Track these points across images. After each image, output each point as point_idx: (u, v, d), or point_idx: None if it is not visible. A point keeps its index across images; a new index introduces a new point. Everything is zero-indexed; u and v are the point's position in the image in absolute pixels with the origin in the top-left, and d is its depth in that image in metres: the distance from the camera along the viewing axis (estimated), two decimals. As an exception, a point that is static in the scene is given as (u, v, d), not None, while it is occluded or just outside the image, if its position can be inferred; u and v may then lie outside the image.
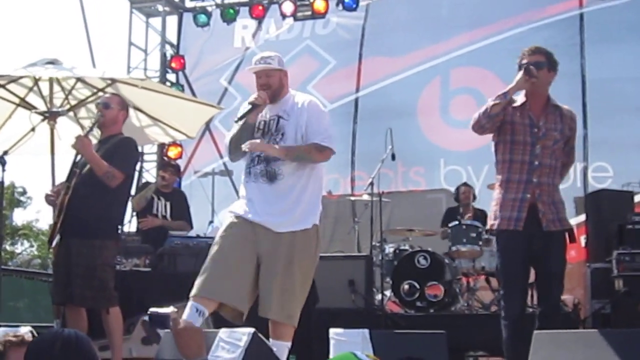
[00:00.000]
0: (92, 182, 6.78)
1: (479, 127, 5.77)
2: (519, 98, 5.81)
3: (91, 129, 6.97)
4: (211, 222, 12.30)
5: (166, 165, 10.35)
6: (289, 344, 5.81)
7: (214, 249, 6.01)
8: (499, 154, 5.79)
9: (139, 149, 7.55)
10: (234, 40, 14.59)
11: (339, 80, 13.62)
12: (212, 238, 9.36)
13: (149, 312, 3.07)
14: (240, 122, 5.86)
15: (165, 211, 9.61)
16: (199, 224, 12.04)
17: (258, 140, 5.75)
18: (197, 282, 5.85)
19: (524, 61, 5.79)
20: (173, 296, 8.10)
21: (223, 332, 5.59)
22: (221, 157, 14.15)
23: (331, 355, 5.34)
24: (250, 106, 5.83)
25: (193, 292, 5.82)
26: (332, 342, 5.53)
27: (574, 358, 4.91)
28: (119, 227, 7.25)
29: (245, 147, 5.71)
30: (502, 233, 5.69)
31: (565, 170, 5.93)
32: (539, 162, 5.61)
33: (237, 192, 13.48)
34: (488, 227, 5.93)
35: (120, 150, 6.96)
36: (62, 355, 2.38)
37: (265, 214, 5.78)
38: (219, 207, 13.31)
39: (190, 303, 5.80)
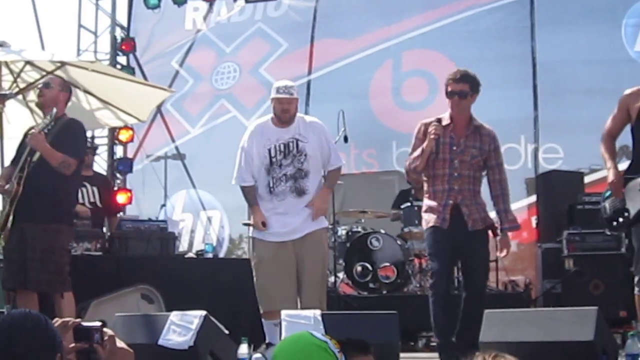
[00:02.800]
0: (45, 168, 6.69)
1: (416, 182, 7.24)
2: (445, 118, 6.61)
3: (46, 126, 6.78)
4: (163, 205, 12.26)
5: None
6: None
7: (260, 273, 6.96)
8: (426, 169, 6.55)
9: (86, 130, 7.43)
10: (185, 23, 14.43)
11: (291, 63, 13.53)
12: (164, 221, 9.44)
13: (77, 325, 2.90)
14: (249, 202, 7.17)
15: (94, 197, 9.36)
16: (151, 208, 12.00)
17: (320, 207, 7.00)
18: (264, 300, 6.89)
19: (449, 88, 6.60)
20: (125, 280, 8.13)
21: (174, 315, 5.57)
22: (173, 140, 14.08)
23: (283, 337, 5.33)
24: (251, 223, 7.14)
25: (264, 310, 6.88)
26: (283, 323, 5.53)
27: (524, 336, 4.96)
28: (72, 211, 7.18)
29: (315, 215, 6.96)
30: (430, 229, 6.51)
31: (500, 185, 6.70)
32: (458, 173, 6.45)
33: (189, 175, 13.68)
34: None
35: (70, 135, 6.87)
36: (32, 332, 2.37)
37: (294, 225, 6.87)
38: (171, 190, 13.25)
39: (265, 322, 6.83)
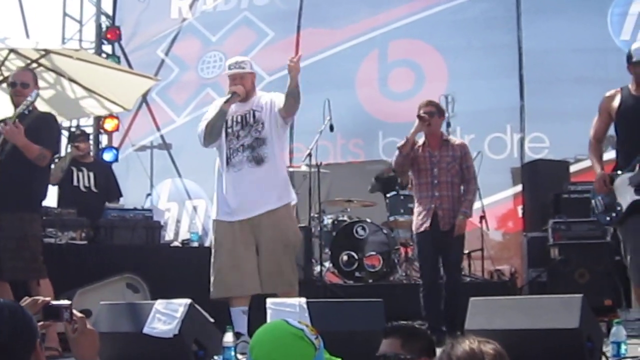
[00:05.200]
0: (20, 158, 6.62)
1: (400, 167, 7.93)
2: (421, 140, 7.76)
3: (19, 114, 6.67)
4: (149, 194, 12.24)
5: (77, 135, 9.97)
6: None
7: (217, 256, 6.80)
8: (413, 179, 7.86)
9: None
10: (171, 12, 14.39)
11: (278, 52, 13.44)
12: (149, 210, 9.40)
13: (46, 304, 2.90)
14: (216, 110, 6.78)
15: (89, 182, 9.35)
16: (137, 197, 11.96)
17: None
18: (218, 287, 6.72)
19: (420, 111, 7.63)
20: (110, 269, 8.09)
21: (159, 304, 5.56)
22: (158, 129, 14.03)
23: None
24: (229, 95, 6.77)
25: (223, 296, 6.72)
26: (269, 311, 5.52)
27: (509, 324, 4.96)
28: (43, 200, 7.19)
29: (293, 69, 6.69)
30: (417, 235, 7.80)
31: (468, 184, 7.70)
32: (437, 180, 7.56)
33: (175, 164, 13.65)
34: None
35: (45, 128, 6.80)
36: (11, 320, 2.36)
37: (250, 202, 6.67)
38: (156, 179, 13.23)
39: (232, 310, 6.66)
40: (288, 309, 5.38)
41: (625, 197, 6.08)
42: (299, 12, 13.66)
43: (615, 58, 11.73)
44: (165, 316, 5.41)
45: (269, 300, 5.68)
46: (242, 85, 6.77)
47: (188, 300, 5.52)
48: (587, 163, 11.55)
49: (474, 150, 9.10)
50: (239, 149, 6.74)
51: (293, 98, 6.74)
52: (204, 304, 5.89)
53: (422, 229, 7.62)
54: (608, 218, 6.27)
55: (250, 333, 6.01)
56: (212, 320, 5.68)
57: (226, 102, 6.76)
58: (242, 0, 14.09)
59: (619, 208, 6.11)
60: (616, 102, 6.35)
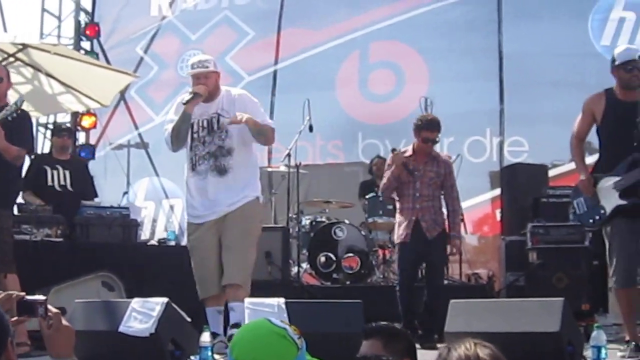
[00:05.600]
0: None
1: (387, 198, 8.37)
2: (408, 150, 7.90)
3: (6, 117, 6.57)
4: (125, 193, 12.15)
5: (58, 130, 9.80)
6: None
7: (192, 258, 6.64)
8: (397, 192, 7.91)
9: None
10: (151, 9, 14.29)
11: (258, 52, 13.45)
12: (126, 208, 9.31)
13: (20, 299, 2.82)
14: (180, 112, 6.48)
15: (64, 181, 9.12)
16: (114, 195, 11.86)
17: (240, 115, 6.35)
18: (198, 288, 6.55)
19: (425, 135, 7.67)
20: (86, 267, 8.00)
21: (135, 302, 5.49)
22: (136, 128, 13.95)
23: (247, 322, 5.27)
24: (190, 95, 6.45)
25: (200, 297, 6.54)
26: (247, 311, 5.47)
27: (489, 326, 4.92)
28: (17, 197, 7.23)
29: (228, 122, 6.41)
30: (398, 245, 7.93)
31: (452, 203, 7.91)
32: (419, 193, 7.72)
33: (152, 163, 13.55)
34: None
35: (23, 128, 6.70)
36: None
37: (216, 205, 6.48)
38: (133, 178, 13.15)
39: (207, 310, 6.50)
40: (266, 309, 5.33)
41: (609, 200, 6.14)
42: (280, 11, 13.62)
43: (595, 63, 11.85)
44: (142, 315, 5.35)
45: (246, 300, 5.64)
46: (206, 84, 6.50)
47: (165, 299, 5.45)
48: (565, 168, 11.75)
49: (454, 153, 9.10)
50: (204, 156, 6.54)
51: (262, 137, 6.61)
52: (180, 303, 5.82)
53: (403, 239, 7.78)
54: (591, 220, 6.36)
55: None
56: (189, 319, 5.62)
57: (187, 102, 6.43)
58: (222, -1, 14.04)
59: (602, 211, 6.18)
60: (601, 105, 6.36)
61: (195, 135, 6.56)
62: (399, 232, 7.83)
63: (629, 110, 6.16)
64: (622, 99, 6.28)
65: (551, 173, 11.08)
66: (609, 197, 6.16)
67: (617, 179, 6.13)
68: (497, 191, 11.74)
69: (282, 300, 5.53)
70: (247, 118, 6.34)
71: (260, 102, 6.89)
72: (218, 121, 6.53)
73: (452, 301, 5.25)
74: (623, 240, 6.09)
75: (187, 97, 6.47)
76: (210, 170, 6.49)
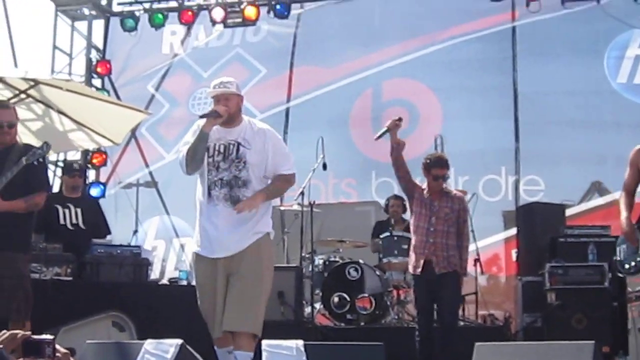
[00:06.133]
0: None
1: (397, 167, 8.20)
2: (424, 186, 8.05)
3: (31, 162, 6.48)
4: (135, 231, 12.04)
5: (70, 169, 9.69)
6: (251, 354, 5.90)
7: (200, 295, 6.25)
8: (412, 218, 8.10)
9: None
10: (162, 47, 14.28)
11: (270, 90, 13.38)
12: (137, 247, 9.19)
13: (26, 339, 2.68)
14: (195, 134, 6.09)
15: (77, 219, 9.02)
16: (124, 234, 11.76)
17: (242, 203, 6.00)
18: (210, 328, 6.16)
19: (435, 172, 7.90)
20: (96, 306, 7.86)
21: (149, 344, 5.34)
22: (147, 166, 13.87)
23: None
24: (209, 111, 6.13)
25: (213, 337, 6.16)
26: (264, 354, 5.30)
27: (516, 371, 4.76)
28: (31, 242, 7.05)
29: (236, 209, 5.99)
30: (413, 275, 8.06)
31: (462, 238, 7.97)
32: (434, 228, 7.86)
33: (162, 201, 13.44)
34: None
35: (38, 169, 6.58)
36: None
37: (227, 241, 6.07)
38: (143, 216, 13.03)
39: (217, 351, 6.15)
40: (284, 352, 5.16)
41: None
42: (292, 49, 13.60)
43: (612, 101, 11.79)
44: (155, 357, 5.19)
45: (264, 342, 5.45)
46: (227, 106, 6.11)
47: (179, 341, 5.30)
48: (581, 207, 11.63)
49: (469, 192, 8.97)
50: (217, 182, 6.14)
51: (279, 195, 6.61)
52: (194, 344, 5.66)
53: (416, 272, 7.92)
54: (627, 266, 6.51)
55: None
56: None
57: (204, 116, 6.10)
58: (234, 36, 14.01)
59: (639, 259, 6.34)
60: None
61: (210, 160, 6.17)
62: (412, 263, 7.99)
63: None
64: None
65: (568, 212, 10.91)
66: None
67: None
68: (511, 231, 11.61)
69: (300, 342, 5.36)
70: (255, 202, 6.04)
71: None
72: (238, 150, 6.15)
73: (477, 344, 5.07)
74: None
75: (206, 111, 6.22)
76: (224, 199, 6.10)
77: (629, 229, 6.41)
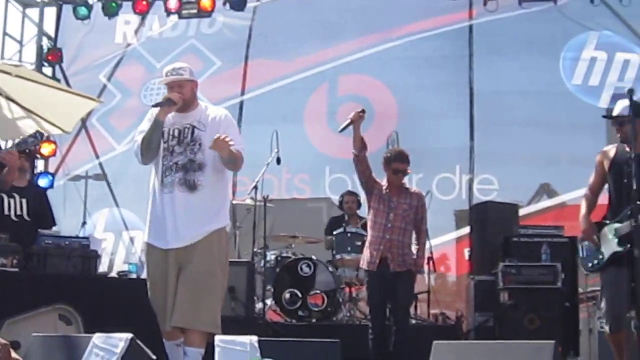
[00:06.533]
0: None
1: (361, 172, 8.22)
2: (384, 182, 8.09)
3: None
4: (84, 223, 11.86)
5: (24, 148, 9.46)
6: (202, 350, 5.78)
7: (150, 285, 6.10)
8: (370, 215, 8.10)
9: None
10: (115, 36, 14.03)
11: (224, 82, 13.22)
12: (86, 238, 8.98)
13: None
14: (150, 122, 6.03)
15: (21, 210, 8.83)
16: (72, 226, 11.57)
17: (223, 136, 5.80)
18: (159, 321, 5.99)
19: (395, 166, 7.99)
20: (42, 298, 7.66)
21: (97, 338, 5.19)
22: (97, 157, 13.65)
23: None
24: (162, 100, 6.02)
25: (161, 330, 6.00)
26: (217, 349, 5.17)
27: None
28: None
29: (210, 146, 5.84)
30: (366, 271, 8.07)
31: (419, 235, 8.11)
32: (391, 225, 7.90)
33: (112, 194, 13.23)
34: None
35: None
36: None
37: (182, 229, 5.93)
38: (93, 208, 12.83)
39: (166, 343, 6.00)
40: (238, 348, 5.03)
41: (608, 247, 6.33)
42: (248, 42, 13.46)
43: (567, 102, 11.84)
44: (104, 351, 5.05)
45: (217, 338, 5.32)
46: (181, 93, 6.04)
47: (129, 335, 5.15)
48: (536, 207, 11.67)
49: (423, 190, 8.91)
50: (172, 167, 6.02)
51: (232, 165, 6.08)
52: (143, 339, 5.51)
53: (370, 267, 7.93)
54: (590, 264, 6.54)
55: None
56: (154, 357, 5.30)
57: (157, 105, 6.02)
58: (189, 27, 13.82)
59: (600, 257, 6.38)
60: (611, 155, 6.54)
61: (164, 145, 6.08)
62: (367, 258, 8.00)
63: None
64: (629, 151, 6.33)
65: (521, 212, 10.93)
66: (609, 244, 6.33)
67: (618, 226, 6.27)
68: (463, 230, 11.61)
69: (254, 338, 5.24)
70: (228, 145, 5.81)
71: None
72: (192, 133, 6.07)
73: (435, 342, 4.99)
74: (615, 287, 6.21)
75: (159, 100, 6.09)
76: (178, 184, 5.97)
77: (587, 227, 6.46)
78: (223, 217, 6.16)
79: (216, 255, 5.99)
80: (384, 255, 7.83)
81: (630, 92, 5.97)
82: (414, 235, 8.10)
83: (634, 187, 5.90)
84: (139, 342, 5.20)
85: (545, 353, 4.54)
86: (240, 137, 6.23)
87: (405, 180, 8.22)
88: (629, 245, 6.01)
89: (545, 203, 12.17)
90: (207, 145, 5.93)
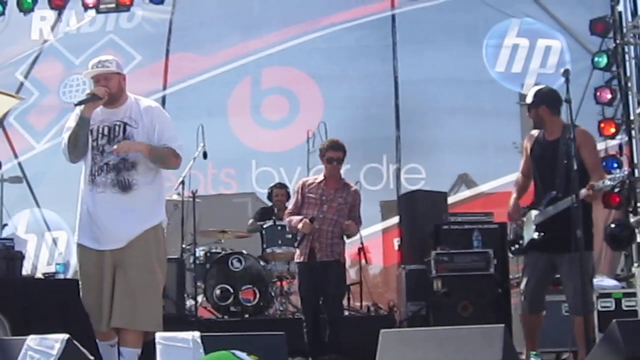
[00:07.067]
0: None
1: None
2: (320, 176, 8.09)
3: None
4: (5, 225, 11.56)
5: None
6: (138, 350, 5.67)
7: (83, 287, 5.89)
8: (302, 209, 7.99)
9: None
10: (32, 32, 13.62)
11: (145, 77, 12.93)
12: (10, 239, 8.70)
13: None
14: (76, 118, 5.79)
15: None
16: (-9, 228, 11.25)
17: (123, 143, 5.72)
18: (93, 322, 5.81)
19: (328, 155, 7.93)
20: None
21: (31, 340, 4.98)
22: (16, 156, 13.28)
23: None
24: (86, 96, 5.76)
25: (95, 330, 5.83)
26: (158, 347, 5.00)
27: (423, 357, 4.60)
28: None
29: (115, 151, 5.69)
30: (297, 263, 8.08)
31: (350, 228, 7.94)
32: (323, 215, 7.82)
33: (33, 194, 12.89)
34: None
35: None
36: None
37: (115, 231, 5.75)
38: (13, 210, 12.51)
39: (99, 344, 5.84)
40: (180, 344, 4.88)
41: (528, 232, 6.53)
42: (168, 36, 13.25)
43: (490, 89, 11.90)
44: (39, 354, 4.84)
45: (158, 335, 5.15)
46: (107, 87, 5.77)
47: (65, 336, 4.95)
48: (463, 194, 11.73)
49: (352, 181, 8.85)
50: (103, 167, 5.79)
51: (160, 164, 5.92)
52: (75, 340, 5.29)
53: (300, 259, 7.94)
54: (512, 248, 6.81)
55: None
56: (91, 357, 5.12)
57: (81, 103, 5.73)
58: (107, 22, 13.51)
59: (521, 241, 6.61)
60: (531, 143, 6.68)
61: (94, 144, 5.84)
62: (298, 250, 8.02)
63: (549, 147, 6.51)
64: (548, 138, 6.55)
65: (451, 200, 10.97)
66: (529, 229, 6.52)
67: (537, 213, 6.46)
68: (390, 221, 11.57)
69: (197, 334, 5.08)
70: (137, 147, 5.70)
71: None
72: (124, 131, 5.82)
73: (382, 331, 4.90)
74: (534, 270, 6.49)
75: (82, 97, 5.80)
76: (111, 185, 5.76)
77: (511, 210, 6.70)
78: (159, 213, 6.00)
79: (154, 253, 5.84)
80: (312, 245, 7.78)
81: (566, 72, 6.02)
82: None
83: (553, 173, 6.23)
84: (75, 342, 5.00)
85: (495, 337, 4.48)
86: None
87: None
88: (542, 234, 6.34)
89: (465, 193, 12.24)
90: (139, 141, 5.76)
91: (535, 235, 6.40)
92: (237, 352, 2.58)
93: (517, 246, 6.65)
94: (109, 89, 5.79)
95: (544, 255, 6.39)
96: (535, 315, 6.52)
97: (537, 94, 6.55)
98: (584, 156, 6.21)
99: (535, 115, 6.54)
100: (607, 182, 6.10)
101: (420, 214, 10.16)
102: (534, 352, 5.35)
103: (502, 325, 4.63)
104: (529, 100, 6.61)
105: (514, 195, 6.80)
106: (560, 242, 6.09)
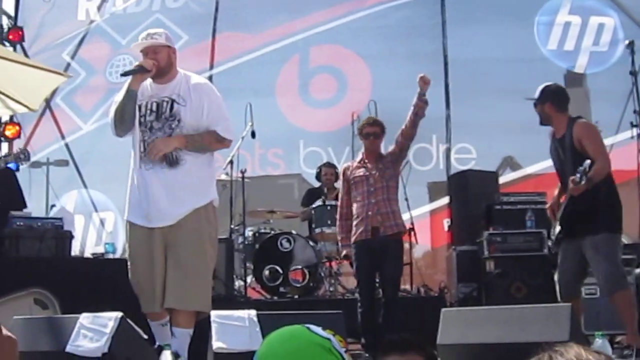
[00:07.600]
0: None
1: None
2: (359, 156, 7.99)
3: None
4: (53, 205, 11.59)
5: None
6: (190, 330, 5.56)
7: (132, 266, 5.80)
8: (352, 191, 7.78)
9: None
10: (78, 13, 13.70)
11: (192, 57, 12.85)
12: (59, 219, 8.66)
13: None
14: (124, 90, 5.69)
15: None
16: (39, 209, 11.27)
17: (156, 142, 5.64)
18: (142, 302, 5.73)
19: (364, 131, 7.78)
20: (16, 283, 7.38)
21: (84, 318, 4.90)
22: (63, 137, 13.31)
23: (214, 338, 4.71)
24: (134, 68, 5.68)
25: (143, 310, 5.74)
26: (214, 325, 4.91)
27: (486, 336, 4.47)
28: None
29: (151, 156, 5.61)
30: (354, 243, 7.63)
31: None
32: (374, 187, 7.56)
33: (80, 175, 12.90)
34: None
35: None
36: None
37: (165, 208, 5.65)
38: (61, 191, 12.56)
39: (151, 324, 5.75)
40: (236, 323, 4.78)
41: (556, 227, 6.65)
42: (215, 15, 13.20)
43: (542, 67, 11.66)
44: (93, 332, 4.76)
45: (213, 313, 5.06)
46: (156, 60, 5.65)
47: (119, 314, 4.87)
48: (514, 175, 11.53)
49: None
50: (151, 143, 5.71)
51: (205, 151, 5.85)
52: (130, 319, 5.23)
53: (359, 237, 7.55)
54: (550, 243, 7.10)
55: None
56: (145, 336, 5.03)
57: (127, 73, 5.66)
58: (154, 2, 13.51)
59: (553, 236, 6.74)
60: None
61: (142, 120, 5.75)
62: (355, 230, 7.63)
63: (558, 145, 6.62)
64: (556, 137, 6.68)
65: (502, 180, 10.82)
66: (557, 225, 6.63)
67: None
68: (438, 202, 11.41)
69: (253, 312, 4.99)
70: (171, 143, 5.62)
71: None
72: (172, 107, 5.69)
73: (443, 310, 4.78)
74: (562, 260, 6.67)
75: (129, 68, 5.74)
76: (159, 161, 5.65)
77: (551, 202, 6.80)
78: (210, 191, 5.88)
79: (205, 232, 5.73)
80: (375, 218, 7.48)
81: (631, 44, 5.89)
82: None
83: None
84: (129, 321, 4.92)
85: (561, 317, 4.33)
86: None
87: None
88: (560, 227, 6.50)
89: (510, 176, 12.08)
90: (187, 121, 5.66)
91: (558, 229, 6.54)
92: (312, 327, 2.44)
93: (553, 239, 6.74)
94: (158, 62, 5.68)
95: (571, 245, 6.48)
96: (570, 300, 6.39)
97: (544, 91, 6.64)
98: (587, 147, 6.26)
99: (541, 111, 6.64)
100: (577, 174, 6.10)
101: (472, 194, 10.00)
102: (600, 333, 5.23)
103: (569, 304, 4.48)
104: (535, 96, 6.68)
105: (556, 191, 6.82)
106: (579, 229, 6.31)
